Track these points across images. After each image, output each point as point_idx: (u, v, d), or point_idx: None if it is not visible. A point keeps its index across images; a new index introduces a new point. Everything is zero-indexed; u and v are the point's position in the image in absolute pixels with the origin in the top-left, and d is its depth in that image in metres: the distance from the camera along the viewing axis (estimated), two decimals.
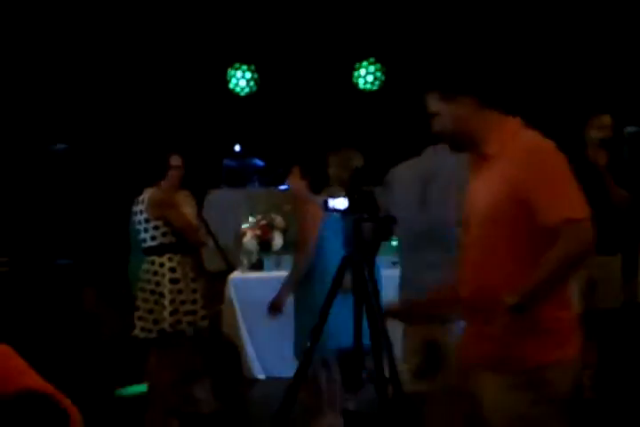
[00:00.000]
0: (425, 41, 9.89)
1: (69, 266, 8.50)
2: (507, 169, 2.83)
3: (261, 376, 6.87)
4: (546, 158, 2.82)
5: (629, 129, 8.64)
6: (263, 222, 7.14)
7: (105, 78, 10.09)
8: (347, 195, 4.68)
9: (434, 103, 3.03)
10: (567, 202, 2.74)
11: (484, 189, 2.92)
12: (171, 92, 10.33)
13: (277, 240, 7.06)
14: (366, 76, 10.63)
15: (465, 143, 3.00)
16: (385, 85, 10.67)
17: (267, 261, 7.08)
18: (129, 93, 10.19)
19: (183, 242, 5.48)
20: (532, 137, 2.91)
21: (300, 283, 5.31)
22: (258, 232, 7.09)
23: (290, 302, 5.28)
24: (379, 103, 10.49)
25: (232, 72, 10.80)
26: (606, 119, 6.19)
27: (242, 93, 10.82)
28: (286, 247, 6.83)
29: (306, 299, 5.20)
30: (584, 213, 2.71)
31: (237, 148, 9.96)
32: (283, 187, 7.37)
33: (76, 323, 7.71)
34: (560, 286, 2.77)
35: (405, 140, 10.50)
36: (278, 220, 7.03)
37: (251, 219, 7.17)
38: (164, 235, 5.42)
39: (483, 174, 2.95)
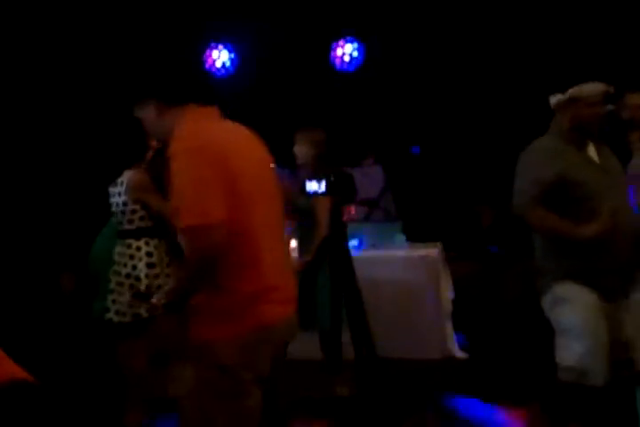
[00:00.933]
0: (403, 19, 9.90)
1: (47, 249, 8.45)
2: (170, 173, 2.98)
3: None
4: (179, 161, 2.92)
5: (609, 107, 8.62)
6: None
7: (84, 62, 10.00)
8: (317, 176, 4.70)
9: (136, 110, 3.23)
10: (190, 209, 2.86)
11: None
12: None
13: None
14: (343, 56, 10.57)
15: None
16: (363, 66, 10.63)
17: None
18: (107, 75, 10.10)
19: (160, 226, 5.44)
20: (184, 137, 3.02)
21: None
22: None
23: None
24: (356, 84, 10.47)
25: (209, 52, 10.73)
26: (636, 98, 6.04)
27: (219, 74, 10.75)
28: None
29: None
30: (203, 220, 2.84)
31: None
32: None
33: (55, 306, 7.67)
34: (205, 280, 2.96)
35: (389, 122, 10.58)
36: None
37: None
38: (141, 219, 5.37)
39: None
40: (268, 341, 3.07)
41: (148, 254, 5.36)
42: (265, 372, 3.08)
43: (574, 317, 4.15)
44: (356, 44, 10.48)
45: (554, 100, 4.41)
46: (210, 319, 3.03)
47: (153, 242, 5.40)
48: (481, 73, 10.17)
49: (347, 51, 10.51)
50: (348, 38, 10.50)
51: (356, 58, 10.51)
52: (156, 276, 5.37)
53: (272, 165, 3.29)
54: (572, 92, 4.32)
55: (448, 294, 7.26)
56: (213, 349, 3.02)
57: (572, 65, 9.66)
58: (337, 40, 10.52)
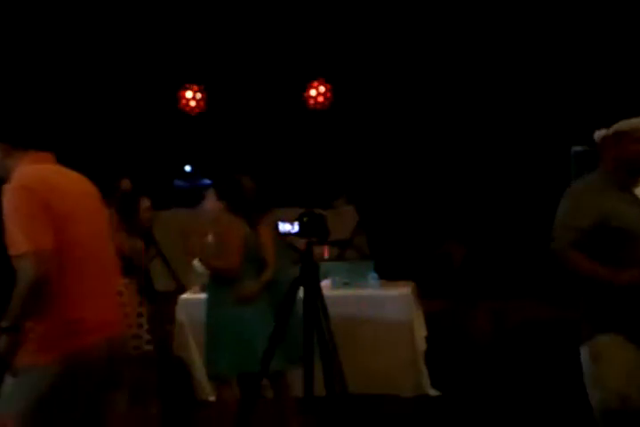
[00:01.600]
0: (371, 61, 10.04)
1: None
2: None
3: (213, 398, 6.84)
4: (9, 198, 3.25)
5: (576, 148, 8.77)
6: None
7: (55, 98, 10.03)
8: (297, 218, 4.77)
9: None
10: (15, 239, 3.17)
11: None
12: (121, 112, 10.31)
13: None
14: (317, 96, 10.68)
15: None
16: (335, 105, 10.73)
17: None
18: (80, 114, 10.13)
19: (131, 266, 5.46)
20: (17, 177, 3.35)
21: (215, 303, 5.41)
22: None
23: None
24: (328, 125, 10.57)
25: (182, 92, 10.82)
26: None
27: (192, 113, 10.83)
28: None
29: (223, 318, 5.36)
30: (36, 247, 3.15)
31: (188, 168, 9.97)
32: None
33: None
34: (37, 305, 3.20)
35: (360, 162, 10.67)
36: None
37: None
38: None
39: None
40: (84, 367, 3.29)
41: (118, 294, 5.36)
42: (81, 397, 3.32)
43: (611, 376, 3.97)
44: (328, 85, 10.60)
45: (598, 135, 4.13)
46: (31, 345, 3.22)
47: (123, 281, 5.41)
48: (448, 113, 10.31)
49: (319, 91, 10.63)
50: (321, 79, 10.62)
51: (329, 98, 10.62)
52: (126, 315, 5.36)
53: (100, 205, 3.68)
54: (616, 126, 4.02)
55: (421, 331, 7.29)
56: (31, 373, 3.22)
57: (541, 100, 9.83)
58: (310, 81, 10.64)
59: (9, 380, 3.28)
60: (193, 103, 10.81)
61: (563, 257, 4.02)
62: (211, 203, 5.67)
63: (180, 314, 7.06)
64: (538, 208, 9.60)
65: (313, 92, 10.64)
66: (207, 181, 9.76)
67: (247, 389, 5.33)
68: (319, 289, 4.91)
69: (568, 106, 9.74)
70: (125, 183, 5.70)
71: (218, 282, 5.50)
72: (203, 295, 6.69)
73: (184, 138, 10.68)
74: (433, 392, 7.01)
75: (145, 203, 5.79)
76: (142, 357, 5.57)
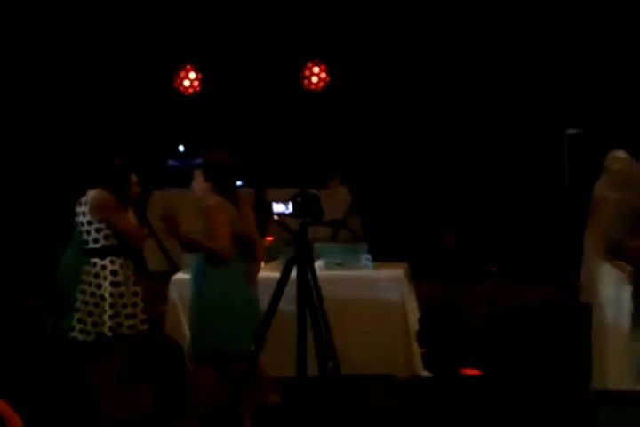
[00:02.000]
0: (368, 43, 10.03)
1: (11, 265, 8.41)
2: None
3: None
4: None
5: (570, 131, 8.75)
6: None
7: (49, 77, 10.01)
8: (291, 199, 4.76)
9: None
10: None
11: None
12: (115, 92, 10.28)
13: None
14: (312, 76, 10.66)
15: None
16: (330, 86, 10.72)
17: None
18: (74, 93, 10.11)
19: (125, 244, 5.44)
20: None
21: (207, 284, 5.40)
22: None
23: None
24: (323, 105, 10.56)
25: (177, 72, 10.78)
26: None
27: (187, 93, 10.80)
28: None
29: (217, 299, 5.35)
30: None
31: (181, 148, 9.94)
32: None
33: (18, 322, 7.64)
34: None
35: (355, 143, 10.66)
36: None
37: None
38: (106, 237, 5.37)
39: None
40: None
41: (113, 273, 5.35)
42: None
43: None
44: (324, 66, 10.57)
45: None
46: None
47: (118, 261, 5.39)
48: (443, 96, 10.31)
49: (315, 72, 10.60)
50: (317, 60, 10.59)
51: (324, 79, 10.59)
52: (121, 295, 5.35)
53: None
54: None
55: (414, 313, 7.30)
56: None
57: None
58: (305, 62, 10.61)
59: None
60: (187, 83, 10.77)
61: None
62: (198, 184, 5.65)
63: (173, 294, 7.06)
64: (532, 191, 9.64)
65: (308, 73, 10.61)
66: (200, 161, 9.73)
67: (225, 369, 5.38)
68: (313, 270, 4.90)
69: (562, 89, 9.74)
70: (117, 161, 5.67)
71: (209, 263, 5.49)
72: None
73: (178, 118, 10.65)
74: (425, 374, 7.04)
75: (133, 178, 5.78)
76: (137, 336, 5.57)
